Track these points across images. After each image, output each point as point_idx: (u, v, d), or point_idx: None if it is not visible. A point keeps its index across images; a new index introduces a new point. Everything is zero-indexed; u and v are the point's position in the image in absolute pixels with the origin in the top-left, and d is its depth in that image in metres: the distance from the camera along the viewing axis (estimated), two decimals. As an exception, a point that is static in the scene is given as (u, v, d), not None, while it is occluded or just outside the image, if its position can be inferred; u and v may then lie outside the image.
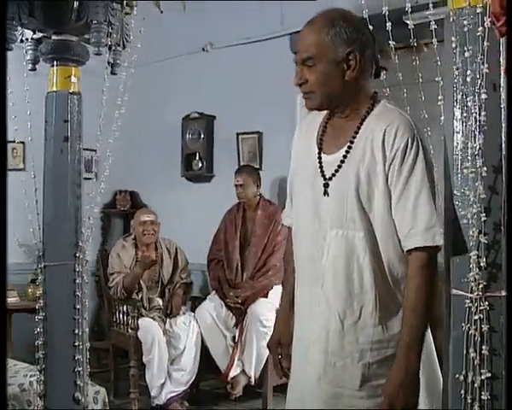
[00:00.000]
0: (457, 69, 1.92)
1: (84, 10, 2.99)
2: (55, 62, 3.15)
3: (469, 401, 1.92)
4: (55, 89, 3.16)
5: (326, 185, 2.09)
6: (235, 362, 5.10)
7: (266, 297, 5.20)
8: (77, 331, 3.14)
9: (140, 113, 5.75)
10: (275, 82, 5.77)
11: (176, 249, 5.57)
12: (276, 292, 5.25)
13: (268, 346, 2.43)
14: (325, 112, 2.19)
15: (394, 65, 2.37)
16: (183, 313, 5.32)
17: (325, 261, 2.06)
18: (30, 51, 3.24)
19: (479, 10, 1.89)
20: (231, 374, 5.09)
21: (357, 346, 2.03)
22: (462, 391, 1.94)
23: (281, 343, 2.33)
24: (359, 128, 2.07)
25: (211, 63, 6.19)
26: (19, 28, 3.09)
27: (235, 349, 5.13)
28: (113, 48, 3.18)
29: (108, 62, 3.22)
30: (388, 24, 2.31)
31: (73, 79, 3.17)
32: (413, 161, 1.98)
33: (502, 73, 1.83)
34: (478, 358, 1.91)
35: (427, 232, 1.96)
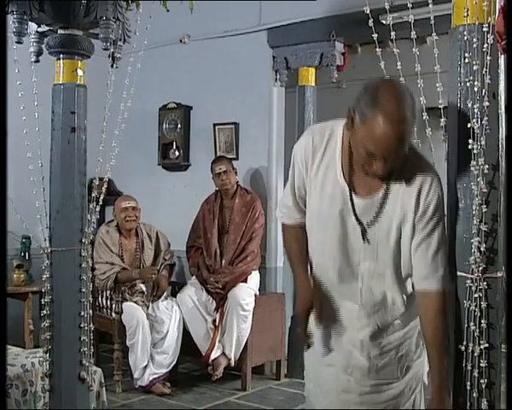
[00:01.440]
0: (461, 79, 2.17)
1: (93, 7, 3.13)
2: (61, 56, 3.27)
3: (469, 368, 2.18)
4: (61, 81, 3.28)
5: (364, 231, 2.24)
6: (216, 345, 5.29)
7: (245, 282, 5.42)
8: (82, 314, 3.29)
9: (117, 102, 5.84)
10: (251, 74, 5.97)
11: (157, 234, 5.71)
12: (255, 277, 5.48)
13: (297, 311, 2.51)
14: (340, 134, 2.25)
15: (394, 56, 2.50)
16: (165, 298, 5.48)
17: (361, 285, 2.29)
18: (34, 44, 3.35)
19: (485, 29, 2.14)
20: (212, 356, 5.28)
21: (392, 345, 2.36)
22: (464, 360, 2.20)
23: (313, 307, 2.41)
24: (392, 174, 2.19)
25: (188, 55, 6.34)
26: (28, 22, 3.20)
27: (215, 332, 5.33)
28: (117, 42, 3.32)
29: (109, 56, 3.36)
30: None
31: (80, 72, 3.30)
32: (439, 216, 2.19)
33: (502, 83, 2.10)
34: (477, 330, 2.17)
35: (444, 279, 2.22)
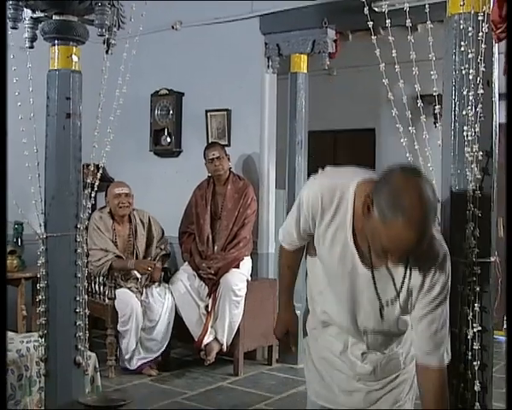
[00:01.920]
0: (456, 67, 2.20)
1: (88, -8, 3.14)
2: (56, 41, 3.28)
3: (463, 350, 2.23)
4: (56, 67, 3.28)
5: (382, 308, 2.22)
6: (209, 330, 5.34)
7: (238, 268, 5.45)
8: (78, 298, 3.31)
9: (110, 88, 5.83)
10: (244, 61, 5.98)
11: (149, 219, 5.72)
12: (247, 263, 5.52)
13: (275, 335, 2.64)
14: (351, 198, 2.15)
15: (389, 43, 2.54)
16: (159, 285, 5.51)
17: (365, 337, 2.30)
18: (29, 30, 3.35)
19: (480, 17, 2.17)
20: (205, 341, 5.33)
21: (397, 353, 2.36)
22: (458, 342, 2.24)
23: (289, 332, 2.57)
24: None
25: (180, 41, 6.34)
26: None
27: (208, 318, 5.37)
28: (112, 29, 3.33)
29: (104, 42, 3.37)
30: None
31: (74, 58, 3.30)
32: (445, 294, 2.14)
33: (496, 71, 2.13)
34: (471, 314, 2.22)
35: (446, 354, 2.17)
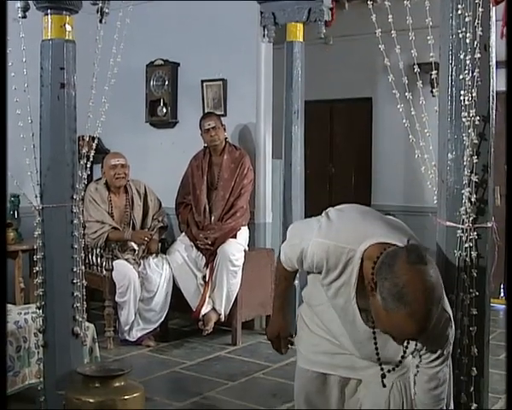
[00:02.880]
0: (453, 31, 2.18)
1: (81, -39, 3.10)
2: (49, 11, 3.23)
3: (460, 316, 2.23)
4: (50, 37, 3.24)
5: (383, 376, 2.25)
6: (206, 300, 5.35)
7: (235, 238, 5.45)
8: (75, 269, 3.31)
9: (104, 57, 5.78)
10: (239, 30, 5.93)
11: (145, 189, 5.72)
12: (244, 233, 5.52)
13: (267, 336, 2.65)
14: (358, 262, 2.10)
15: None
16: (156, 256, 5.51)
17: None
18: (21, -1, 3.31)
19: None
20: (203, 312, 5.35)
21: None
22: (454, 308, 2.23)
23: (280, 335, 2.58)
24: None
25: (175, 11, 6.27)
26: (14, -23, 3.16)
27: (205, 288, 5.38)
28: (104, -3, 3.29)
29: (97, 11, 3.33)
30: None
31: (68, 27, 3.26)
32: (445, 356, 2.11)
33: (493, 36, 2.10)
34: (468, 279, 2.22)
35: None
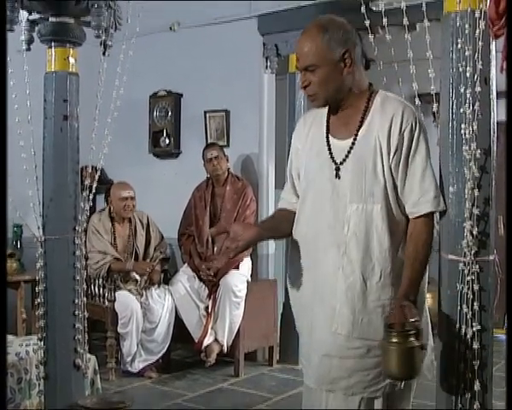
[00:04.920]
0: (453, 65, 2.20)
1: (84, -6, 3.13)
2: (53, 44, 3.27)
3: (462, 350, 2.21)
4: (53, 69, 3.28)
5: (338, 169, 2.33)
6: (209, 331, 5.33)
7: (237, 269, 5.44)
8: (77, 301, 3.30)
9: (107, 90, 5.83)
10: (242, 61, 5.97)
11: (147, 219, 5.73)
12: (247, 264, 5.51)
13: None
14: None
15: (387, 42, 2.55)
16: (158, 286, 5.50)
17: (347, 231, 2.28)
18: (25, 32, 3.34)
19: (477, 15, 2.17)
20: (205, 343, 5.32)
21: (379, 302, 2.27)
22: (457, 342, 2.22)
23: (238, 239, 2.41)
24: (365, 115, 2.32)
25: (178, 42, 6.32)
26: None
27: (208, 319, 5.36)
28: (108, 30, 3.32)
29: (100, 43, 3.36)
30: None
31: (71, 60, 3.30)
32: (417, 141, 2.25)
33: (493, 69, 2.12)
34: (470, 313, 2.20)
35: (435, 200, 2.26)
